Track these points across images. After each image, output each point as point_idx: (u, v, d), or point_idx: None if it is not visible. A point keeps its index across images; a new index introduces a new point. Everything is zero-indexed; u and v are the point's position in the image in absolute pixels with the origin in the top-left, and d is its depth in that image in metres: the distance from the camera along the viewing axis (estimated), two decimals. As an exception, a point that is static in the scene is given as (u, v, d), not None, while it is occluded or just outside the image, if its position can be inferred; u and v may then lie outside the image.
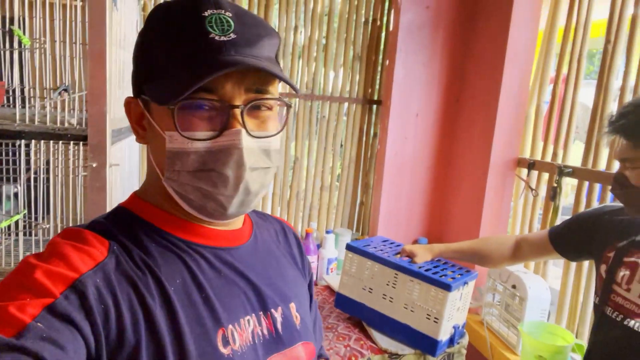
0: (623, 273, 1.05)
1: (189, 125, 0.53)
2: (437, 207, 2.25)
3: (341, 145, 2.28)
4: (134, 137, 0.62)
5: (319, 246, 2.09)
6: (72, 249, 0.50)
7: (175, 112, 0.52)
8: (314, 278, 2.04)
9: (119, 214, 0.59)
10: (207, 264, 0.58)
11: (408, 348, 1.47)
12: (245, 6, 2.04)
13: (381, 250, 1.57)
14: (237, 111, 0.54)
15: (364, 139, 2.27)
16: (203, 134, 0.53)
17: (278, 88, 0.62)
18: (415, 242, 2.25)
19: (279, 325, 0.62)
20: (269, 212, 2.21)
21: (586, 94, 1.76)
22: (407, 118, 2.13)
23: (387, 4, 2.15)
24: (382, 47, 2.20)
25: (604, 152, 1.56)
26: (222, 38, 0.52)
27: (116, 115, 1.23)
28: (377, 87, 2.23)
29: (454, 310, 1.43)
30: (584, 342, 1.47)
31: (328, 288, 1.91)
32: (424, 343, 1.43)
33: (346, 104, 2.21)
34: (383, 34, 2.19)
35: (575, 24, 1.70)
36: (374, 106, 2.25)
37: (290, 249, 0.76)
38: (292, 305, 0.66)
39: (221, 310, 0.55)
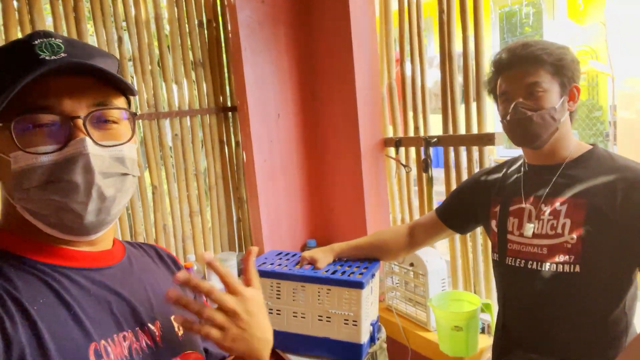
0: (512, 221, 1.09)
1: (32, 142, 0.54)
2: (319, 206, 2.17)
3: (203, 162, 2.05)
4: None
5: (203, 278, 1.84)
6: None
7: (13, 129, 0.54)
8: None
9: None
10: (72, 284, 0.57)
11: (333, 362, 1.35)
12: (50, 26, 1.68)
13: (279, 265, 1.42)
14: (79, 122, 0.56)
15: (227, 150, 2.08)
16: (47, 148, 0.55)
17: (124, 104, 0.63)
18: (304, 246, 2.14)
19: (157, 339, 0.63)
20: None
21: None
22: (268, 121, 2.00)
23: (219, 2, 1.99)
24: (223, 49, 2.03)
25: (461, 118, 1.64)
26: (53, 57, 0.55)
27: None
28: (227, 92, 2.06)
29: (369, 307, 1.35)
30: (488, 300, 1.52)
31: (226, 323, 1.69)
32: (348, 351, 1.32)
33: (199, 116, 1.98)
34: (222, 35, 2.02)
35: (408, 4, 1.77)
36: (230, 113, 2.07)
37: (168, 269, 0.76)
38: (174, 318, 0.67)
39: (91, 326, 0.55)
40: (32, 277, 0.55)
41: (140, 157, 1.87)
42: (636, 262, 0.96)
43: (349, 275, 1.31)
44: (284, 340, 1.37)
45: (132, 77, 1.85)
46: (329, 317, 1.32)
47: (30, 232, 0.58)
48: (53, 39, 0.56)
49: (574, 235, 0.97)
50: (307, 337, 1.35)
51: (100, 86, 0.59)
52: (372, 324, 1.40)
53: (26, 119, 0.54)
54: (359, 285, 1.27)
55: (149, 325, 0.63)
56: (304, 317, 1.34)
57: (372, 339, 1.41)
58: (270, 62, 1.98)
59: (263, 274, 1.37)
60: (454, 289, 1.76)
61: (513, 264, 1.09)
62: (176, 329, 0.67)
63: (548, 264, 1.01)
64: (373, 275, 1.39)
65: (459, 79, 1.64)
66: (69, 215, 0.56)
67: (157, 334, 0.64)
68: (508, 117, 1.04)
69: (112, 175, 0.58)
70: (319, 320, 1.33)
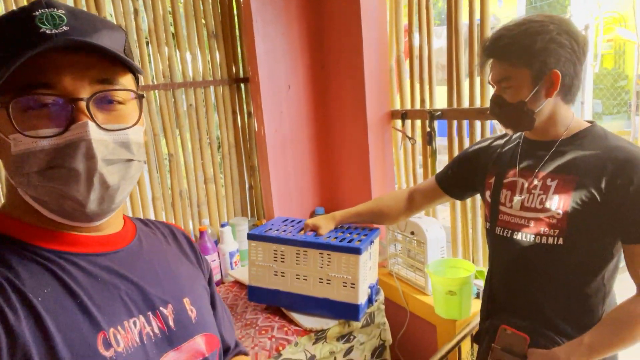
0: (505, 193, 1.15)
1: (32, 125, 0.51)
2: (326, 175, 2.25)
3: (217, 135, 2.13)
4: None
5: (216, 242, 1.96)
6: None
7: (11, 111, 0.51)
8: (220, 277, 1.93)
9: None
10: (80, 271, 0.56)
11: (332, 321, 1.46)
12: (68, -6, 1.75)
13: (284, 231, 1.51)
14: (82, 104, 0.52)
15: (239, 120, 2.15)
16: (48, 131, 0.52)
17: (132, 81, 0.60)
18: (313, 213, 2.23)
19: (171, 322, 0.62)
20: (153, 218, 2.00)
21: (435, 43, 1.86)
22: (279, 92, 2.06)
23: (231, -26, 2.02)
24: (236, 21, 2.07)
25: (465, 91, 1.67)
26: (54, 31, 0.51)
27: None
28: (240, 64, 2.11)
29: (366, 271, 1.45)
30: (483, 268, 1.60)
31: (237, 283, 1.81)
32: (346, 311, 1.43)
33: (212, 87, 2.05)
34: (234, 7, 2.06)
35: (417, -26, 1.76)
36: (242, 85, 2.13)
37: (182, 248, 0.75)
38: (187, 300, 0.66)
39: (99, 314, 0.54)
40: (35, 265, 0.53)
41: (157, 125, 1.96)
42: (619, 239, 1.00)
43: (348, 242, 1.40)
44: (287, 300, 1.48)
45: (148, 45, 1.91)
46: (329, 280, 1.42)
47: (33, 216, 0.56)
48: (55, 9, 0.52)
49: (560, 211, 1.01)
50: (309, 298, 1.45)
51: (106, 62, 0.55)
52: (370, 287, 1.50)
53: (26, 99, 0.51)
54: (357, 251, 1.36)
55: (161, 308, 0.62)
56: (306, 280, 1.45)
57: (370, 301, 1.51)
58: (281, 33, 2.01)
59: (268, 239, 1.47)
60: (453, 256, 1.83)
61: (501, 233, 1.15)
62: (189, 311, 0.66)
63: (532, 235, 1.06)
64: (372, 242, 1.48)
65: (464, 52, 1.66)
66: (70, 202, 0.54)
67: (169, 317, 0.62)
68: (489, 110, 1.10)
69: (116, 161, 0.55)
70: (320, 282, 1.43)
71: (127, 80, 0.58)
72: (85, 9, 1.71)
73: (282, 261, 1.47)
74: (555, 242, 1.03)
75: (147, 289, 0.61)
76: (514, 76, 1.02)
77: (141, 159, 0.59)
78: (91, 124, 0.52)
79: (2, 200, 1.24)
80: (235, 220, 2.09)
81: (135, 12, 1.85)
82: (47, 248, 0.55)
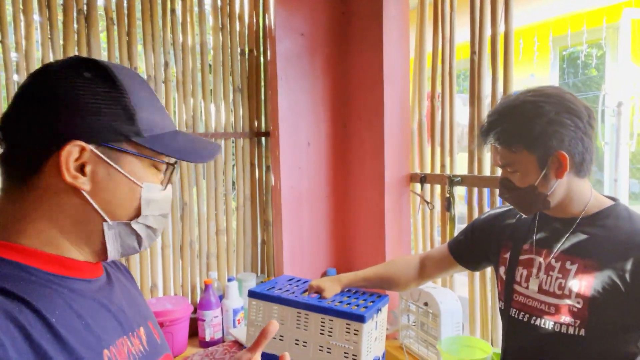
0: (521, 272, 1.05)
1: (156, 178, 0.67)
2: (341, 235, 2.18)
3: (233, 184, 2.12)
4: None
5: (221, 297, 1.89)
6: None
7: (166, 171, 0.67)
8: (221, 335, 1.84)
9: None
10: (79, 294, 0.60)
11: (330, 395, 1.33)
12: (104, 47, 1.84)
13: (287, 290, 1.44)
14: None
15: (257, 173, 2.15)
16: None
17: None
18: (324, 274, 2.14)
19: (145, 343, 0.68)
20: (160, 266, 1.96)
21: (460, 110, 1.85)
22: (299, 148, 2.05)
23: (261, 33, 2.09)
24: (262, 77, 2.13)
25: (487, 158, 1.62)
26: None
27: None
28: (262, 118, 2.14)
29: (371, 342, 1.34)
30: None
31: (236, 343, 1.71)
32: None
33: (233, 139, 2.07)
34: (262, 64, 2.12)
35: (442, 45, 1.78)
36: (263, 139, 2.14)
37: (127, 278, 0.80)
38: (150, 324, 0.73)
39: (101, 333, 0.58)
40: (42, 288, 0.56)
41: (175, 175, 1.97)
42: None
43: (352, 308, 1.31)
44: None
45: (175, 94, 1.97)
46: (330, 349, 1.31)
47: (37, 241, 0.59)
48: None
49: (581, 300, 0.92)
50: None
51: None
52: (375, 359, 1.38)
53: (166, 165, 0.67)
54: (361, 319, 1.26)
55: (137, 330, 0.68)
56: (305, 346, 1.35)
57: None
58: (304, 91, 2.05)
59: (269, 298, 1.39)
60: (471, 333, 1.69)
61: (516, 316, 1.05)
62: (155, 334, 0.73)
63: (552, 322, 0.96)
64: (379, 310, 1.38)
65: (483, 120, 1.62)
66: (145, 242, 0.67)
67: (143, 338, 0.68)
68: (499, 192, 1.04)
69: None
70: (320, 350, 1.33)
71: None
72: (119, 59, 1.80)
73: (282, 323, 1.38)
74: (576, 333, 0.93)
75: (126, 312, 0.67)
76: (517, 162, 0.96)
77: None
78: None
79: None
80: (243, 276, 2.02)
81: (166, 64, 1.93)
82: (45, 271, 0.58)
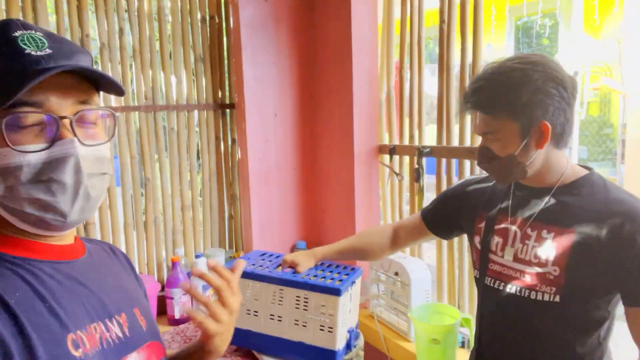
0: (496, 241, 1.07)
1: (19, 140, 0.55)
2: (310, 208, 2.17)
3: (198, 158, 2.05)
4: None
5: (189, 274, 1.85)
6: None
7: (3, 126, 0.54)
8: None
9: None
10: (46, 276, 0.58)
11: (306, 367, 1.34)
12: (52, 10, 1.69)
13: (260, 266, 1.42)
14: (67, 121, 0.57)
15: (222, 147, 2.08)
16: (35, 147, 0.55)
17: (100, 102, 0.65)
18: (294, 247, 2.14)
19: (125, 329, 0.65)
20: (123, 244, 1.89)
21: (428, 81, 1.84)
22: (265, 120, 2.00)
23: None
24: (225, 46, 2.03)
25: (455, 129, 1.63)
26: (39, 52, 0.55)
27: None
28: (227, 89, 2.06)
29: (346, 314, 1.35)
30: (469, 315, 1.51)
31: (207, 319, 1.69)
32: (322, 357, 1.32)
33: (196, 112, 1.99)
34: (225, 32, 2.02)
35: (410, 13, 1.75)
36: (227, 110, 2.07)
37: (122, 265, 0.78)
38: (137, 310, 0.70)
39: (66, 317, 0.56)
40: (5, 270, 0.56)
41: (135, 149, 1.88)
42: (616, 297, 0.93)
43: (327, 282, 1.31)
44: (259, 342, 1.38)
45: (132, 66, 1.85)
46: (305, 322, 1.32)
47: (2, 226, 0.59)
48: (33, 31, 0.57)
49: (557, 268, 0.94)
50: (283, 340, 1.35)
51: (83, 84, 0.60)
52: (349, 331, 1.39)
53: (16, 117, 0.54)
54: (337, 292, 1.27)
55: (116, 316, 0.65)
56: (280, 320, 1.35)
57: (349, 346, 1.40)
58: (270, 61, 1.98)
59: (243, 274, 1.37)
60: (438, 299, 1.75)
61: (492, 284, 1.07)
62: (140, 320, 0.70)
63: (527, 289, 0.99)
64: (353, 283, 1.39)
65: (455, 90, 1.63)
66: (52, 214, 0.57)
67: (124, 325, 0.66)
68: (477, 161, 1.04)
69: (95, 175, 0.60)
70: (295, 324, 1.33)
71: (98, 100, 0.64)
72: (68, 26, 1.66)
73: (255, 299, 1.37)
74: (551, 299, 0.95)
75: (103, 297, 0.64)
76: (500, 129, 0.96)
77: (111, 172, 0.65)
78: (76, 141, 0.57)
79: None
80: (211, 251, 1.98)
81: (121, 31, 1.80)
82: (13, 255, 0.58)
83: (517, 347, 1.03)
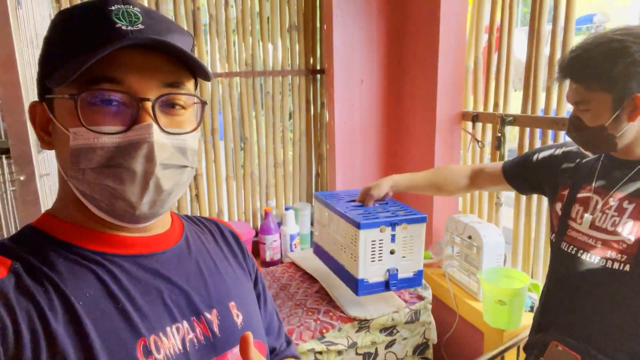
0: (577, 209, 1.10)
1: (95, 120, 0.51)
2: (391, 170, 2.27)
3: (290, 119, 2.24)
4: None
5: (279, 224, 2.08)
6: None
7: (79, 104, 0.50)
8: (280, 257, 2.05)
9: (26, 233, 0.56)
10: (124, 273, 0.55)
11: (376, 312, 1.51)
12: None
13: (342, 199, 1.62)
14: (148, 104, 0.52)
15: (312, 110, 2.24)
16: (110, 128, 0.51)
17: (195, 88, 0.61)
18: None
19: (215, 328, 0.60)
20: (224, 195, 2.18)
21: (519, 41, 1.79)
22: (352, 85, 2.11)
23: (317, -32, 2.09)
24: (318, 13, 2.15)
25: (541, 98, 1.61)
26: (130, 28, 0.51)
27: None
28: (318, 56, 2.19)
29: (381, 252, 1.41)
30: (539, 282, 1.55)
31: (293, 265, 1.92)
32: (351, 282, 1.46)
33: (289, 77, 2.16)
34: (318, 2, 2.13)
35: (504, -28, 1.71)
36: (318, 76, 2.21)
37: (230, 247, 0.73)
38: (232, 304, 0.65)
39: (139, 320, 0.53)
40: (79, 267, 0.53)
41: (236, 110, 2.11)
42: None
43: (357, 214, 1.43)
44: (326, 259, 1.66)
45: (235, 34, 2.05)
46: (344, 248, 1.49)
47: (81, 215, 0.56)
48: (131, 6, 0.52)
49: (632, 237, 0.96)
50: (335, 261, 1.58)
51: (173, 65, 0.54)
52: (388, 270, 1.44)
53: (93, 93, 0.50)
54: (357, 225, 1.37)
55: (206, 313, 0.60)
56: (334, 244, 1.56)
57: (387, 285, 1.45)
58: (359, 27, 2.05)
59: (324, 202, 1.61)
60: (513, 265, 1.79)
61: (566, 249, 1.11)
62: (234, 316, 0.64)
63: (599, 257, 1.02)
64: (393, 225, 1.41)
65: (544, 57, 1.59)
66: (122, 203, 0.53)
67: (214, 322, 0.61)
68: (566, 130, 1.06)
69: (172, 166, 0.54)
70: (342, 248, 1.51)
71: (190, 85, 0.58)
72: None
73: (327, 225, 1.61)
74: (621, 268, 0.98)
75: (192, 293, 0.60)
76: (592, 100, 0.97)
77: (194, 166, 0.58)
78: (155, 126, 0.52)
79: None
80: (299, 205, 2.19)
81: (226, 3, 1.99)
82: (92, 249, 0.55)
83: (583, 312, 1.07)
